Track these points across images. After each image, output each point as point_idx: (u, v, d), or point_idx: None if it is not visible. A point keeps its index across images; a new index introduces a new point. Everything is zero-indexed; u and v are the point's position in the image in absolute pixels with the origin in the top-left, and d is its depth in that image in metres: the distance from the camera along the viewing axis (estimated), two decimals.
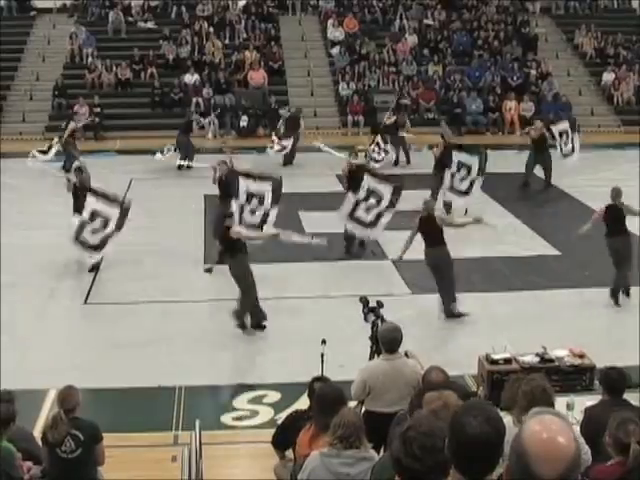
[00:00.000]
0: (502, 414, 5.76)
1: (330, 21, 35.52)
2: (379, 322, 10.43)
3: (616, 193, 14.93)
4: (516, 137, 29.47)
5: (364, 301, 10.84)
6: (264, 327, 14.01)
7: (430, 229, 14.34)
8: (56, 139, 24.52)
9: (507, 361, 11.17)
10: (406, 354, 9.28)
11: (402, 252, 14.89)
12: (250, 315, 13.96)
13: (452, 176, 19.28)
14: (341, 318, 13.80)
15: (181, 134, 25.53)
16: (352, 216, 17.00)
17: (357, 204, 16.91)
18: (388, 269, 16.72)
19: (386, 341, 8.81)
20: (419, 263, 15.81)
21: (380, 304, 10.81)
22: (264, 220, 16.36)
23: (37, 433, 8.85)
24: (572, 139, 22.98)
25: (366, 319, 10.69)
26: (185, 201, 21.31)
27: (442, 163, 20.00)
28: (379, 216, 16.87)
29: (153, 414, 11.36)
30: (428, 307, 14.72)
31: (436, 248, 14.39)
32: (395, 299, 14.67)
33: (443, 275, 14.37)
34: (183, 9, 36.17)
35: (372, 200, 16.84)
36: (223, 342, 13.57)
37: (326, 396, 7.29)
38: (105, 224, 16.15)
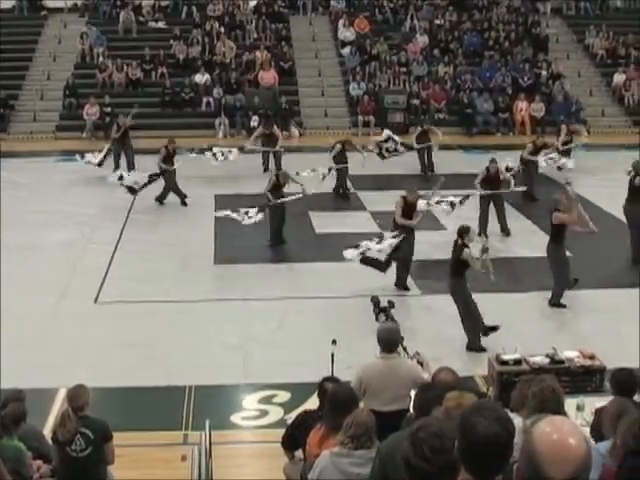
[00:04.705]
0: (512, 415, 5.77)
1: (341, 21, 35.50)
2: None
3: None
4: (526, 138, 29.45)
5: (375, 301, 10.86)
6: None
7: None
8: (107, 145, 24.71)
9: (517, 362, 11.16)
10: (417, 356, 9.33)
11: None
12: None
13: None
14: (352, 318, 13.82)
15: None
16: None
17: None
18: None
19: (384, 341, 8.84)
20: (429, 263, 15.83)
21: (391, 304, 10.83)
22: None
23: (47, 432, 8.88)
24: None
25: (377, 319, 10.71)
26: (196, 200, 21.32)
27: None
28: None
29: (163, 413, 11.37)
30: (438, 307, 14.72)
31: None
32: (405, 299, 14.70)
33: None
34: (194, 9, 36.23)
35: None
36: (233, 341, 13.59)
37: (339, 397, 7.28)
38: None
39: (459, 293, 13.27)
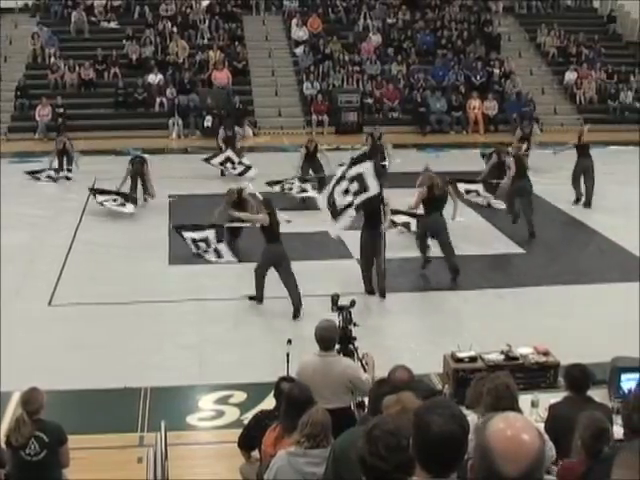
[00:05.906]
0: (467, 412, 5.80)
1: (294, 21, 35.51)
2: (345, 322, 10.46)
3: None
4: (479, 136, 29.63)
5: (334, 299, 10.84)
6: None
7: None
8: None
9: (472, 359, 11.21)
10: (365, 357, 9.40)
11: None
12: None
13: None
14: (308, 317, 13.79)
15: None
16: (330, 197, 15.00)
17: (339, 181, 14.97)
18: (358, 268, 16.67)
19: (321, 339, 8.86)
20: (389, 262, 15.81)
21: (352, 303, 10.81)
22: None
23: (1, 436, 8.78)
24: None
25: (338, 317, 10.71)
26: (150, 201, 21.23)
27: None
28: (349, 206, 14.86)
29: (118, 415, 11.28)
30: (396, 306, 14.76)
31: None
32: (364, 297, 14.70)
33: None
34: (146, 9, 36.00)
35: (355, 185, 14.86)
36: (188, 342, 13.53)
37: (295, 396, 7.26)
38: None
39: None
